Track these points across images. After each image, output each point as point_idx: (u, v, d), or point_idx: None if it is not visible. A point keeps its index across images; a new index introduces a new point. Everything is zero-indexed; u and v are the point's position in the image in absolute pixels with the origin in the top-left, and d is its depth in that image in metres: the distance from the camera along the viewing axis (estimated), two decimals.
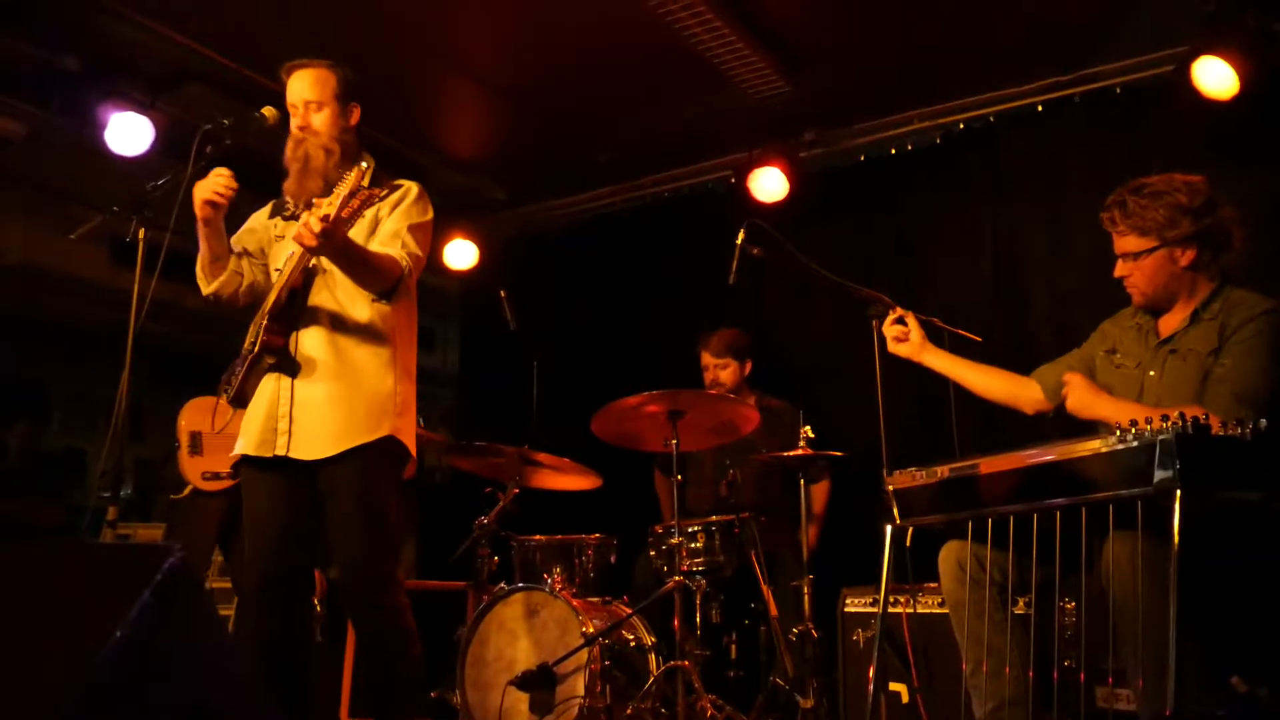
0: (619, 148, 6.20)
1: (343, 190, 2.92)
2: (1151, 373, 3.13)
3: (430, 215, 3.39)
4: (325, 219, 2.86)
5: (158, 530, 6.13)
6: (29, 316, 7.42)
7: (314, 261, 3.20)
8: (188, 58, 5.10)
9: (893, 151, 5.88)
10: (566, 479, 4.84)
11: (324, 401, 3.16)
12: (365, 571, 3.13)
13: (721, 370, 5.12)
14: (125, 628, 1.57)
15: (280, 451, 3.14)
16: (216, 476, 4.45)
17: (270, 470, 3.18)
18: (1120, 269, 3.19)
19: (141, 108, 5.07)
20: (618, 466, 4.87)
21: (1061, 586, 2.94)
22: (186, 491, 4.49)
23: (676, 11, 4.72)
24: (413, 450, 3.34)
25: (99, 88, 5.00)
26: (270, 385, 3.23)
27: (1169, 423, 2.37)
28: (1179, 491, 2.33)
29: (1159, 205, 3.08)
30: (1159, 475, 2.36)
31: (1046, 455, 2.64)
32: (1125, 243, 3.15)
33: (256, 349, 3.17)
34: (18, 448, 8.49)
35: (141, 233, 3.36)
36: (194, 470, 4.47)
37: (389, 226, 3.28)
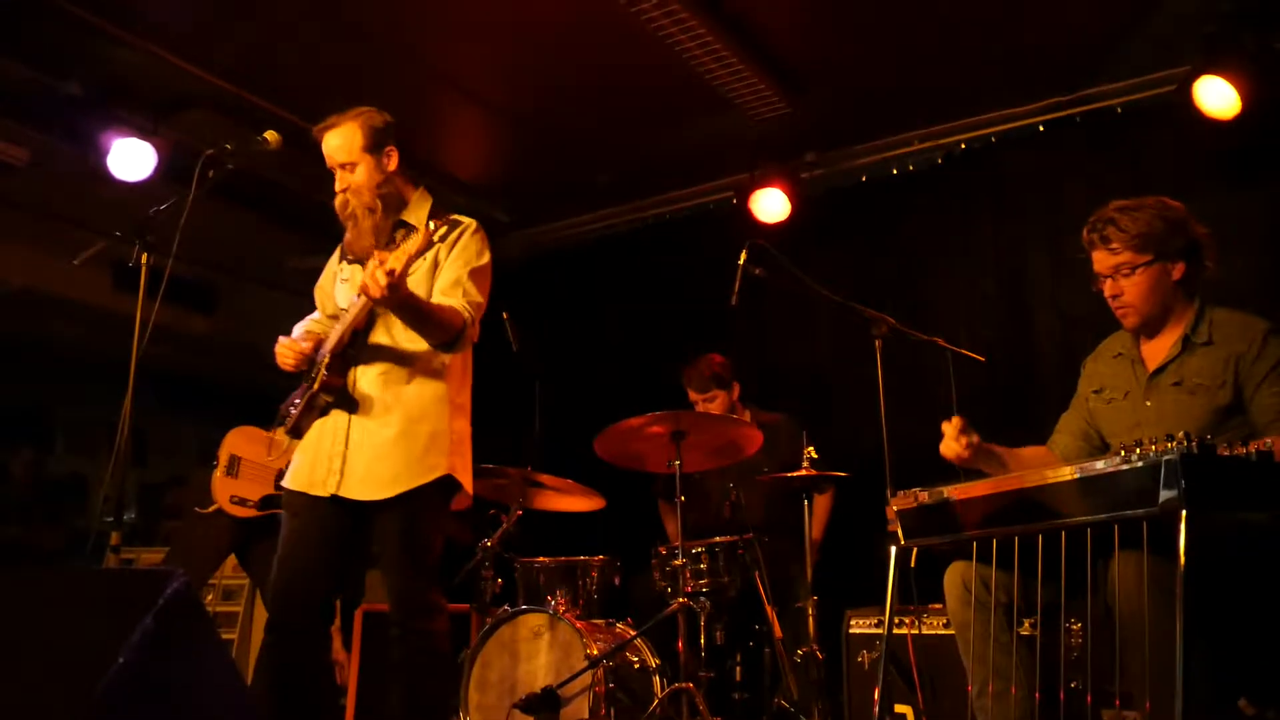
0: (621, 169, 6.22)
1: (409, 247, 2.93)
2: (1148, 403, 3.12)
3: (488, 256, 3.40)
4: (391, 273, 2.89)
5: (160, 554, 6.13)
6: (32, 341, 7.43)
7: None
8: (191, 83, 5.12)
9: (894, 172, 5.90)
10: (570, 500, 4.83)
11: (380, 443, 3.18)
12: (408, 601, 3.17)
13: (710, 404, 5.07)
14: (127, 653, 1.57)
15: (333, 490, 3.17)
16: (243, 503, 4.50)
17: (319, 504, 3.20)
18: (1110, 288, 3.16)
19: (144, 133, 5.10)
20: (621, 488, 4.86)
21: (1067, 608, 2.94)
22: (212, 509, 4.52)
23: (677, 35, 4.75)
24: (468, 486, 3.34)
25: (102, 113, 5.03)
26: (327, 423, 3.26)
27: (1174, 443, 2.36)
28: (1184, 512, 2.32)
29: (1154, 219, 3.08)
30: (1164, 495, 2.34)
31: (1051, 476, 2.63)
32: (1118, 259, 3.12)
33: (315, 386, 3.20)
34: (21, 473, 8.50)
35: (144, 258, 3.37)
36: (224, 491, 4.51)
37: (449, 275, 3.29)
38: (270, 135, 3.37)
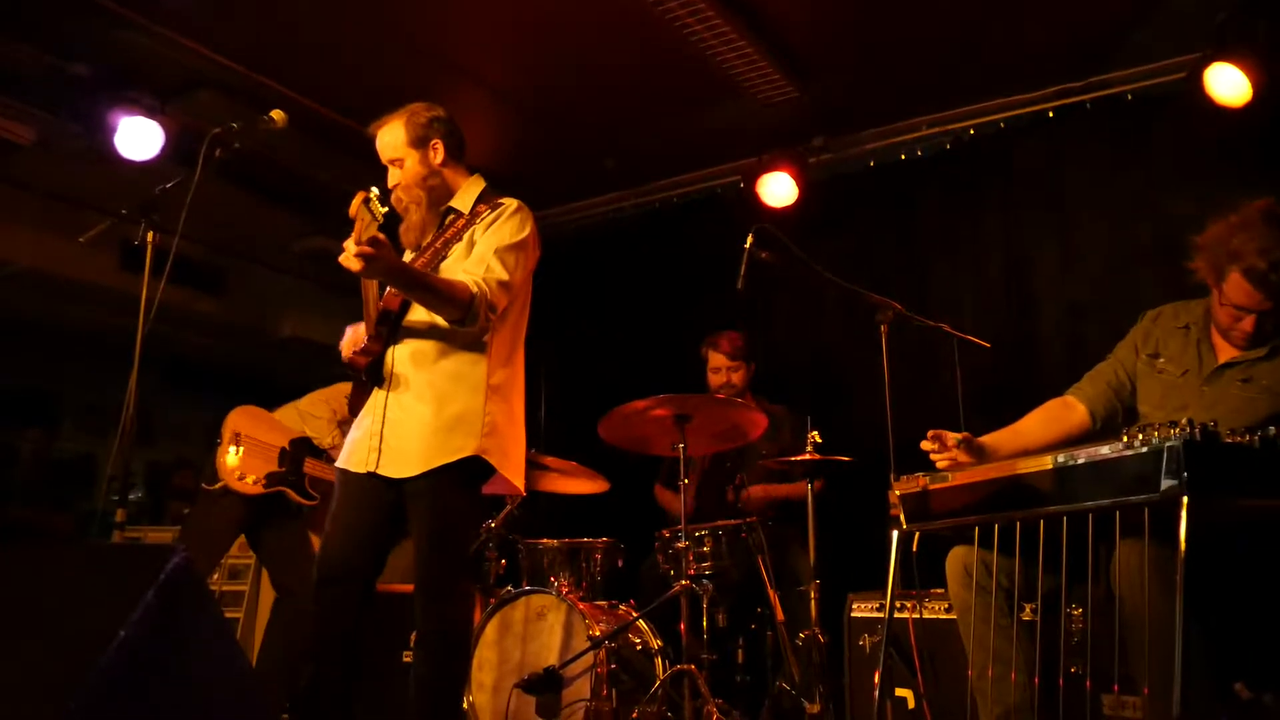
0: (628, 153, 6.21)
1: (373, 213, 2.94)
2: (1205, 389, 3.03)
3: (527, 232, 3.38)
4: (373, 241, 2.90)
5: (168, 533, 6.16)
6: (40, 322, 7.46)
7: None
8: (198, 63, 5.13)
9: (902, 157, 5.88)
10: (574, 483, 4.84)
11: (412, 421, 3.20)
12: (428, 583, 3.18)
13: (734, 373, 5.14)
14: (129, 628, 1.58)
15: (371, 468, 3.20)
16: (247, 479, 4.52)
17: (361, 480, 3.24)
18: (1242, 320, 2.96)
19: (151, 113, 5.10)
20: (625, 471, 4.87)
21: (1068, 594, 2.94)
22: (218, 485, 4.54)
23: (685, 18, 4.73)
24: (508, 473, 3.31)
25: (109, 93, 5.04)
26: (372, 402, 3.30)
27: (1177, 429, 2.36)
28: (1186, 499, 2.31)
29: None
30: (1166, 482, 2.34)
31: (1053, 461, 2.63)
32: (1250, 302, 2.92)
33: (355, 361, 3.26)
34: (30, 454, 8.53)
35: (150, 236, 3.38)
36: (229, 468, 4.52)
37: (479, 250, 3.29)
38: (276, 114, 3.36)
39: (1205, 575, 2.32)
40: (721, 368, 5.15)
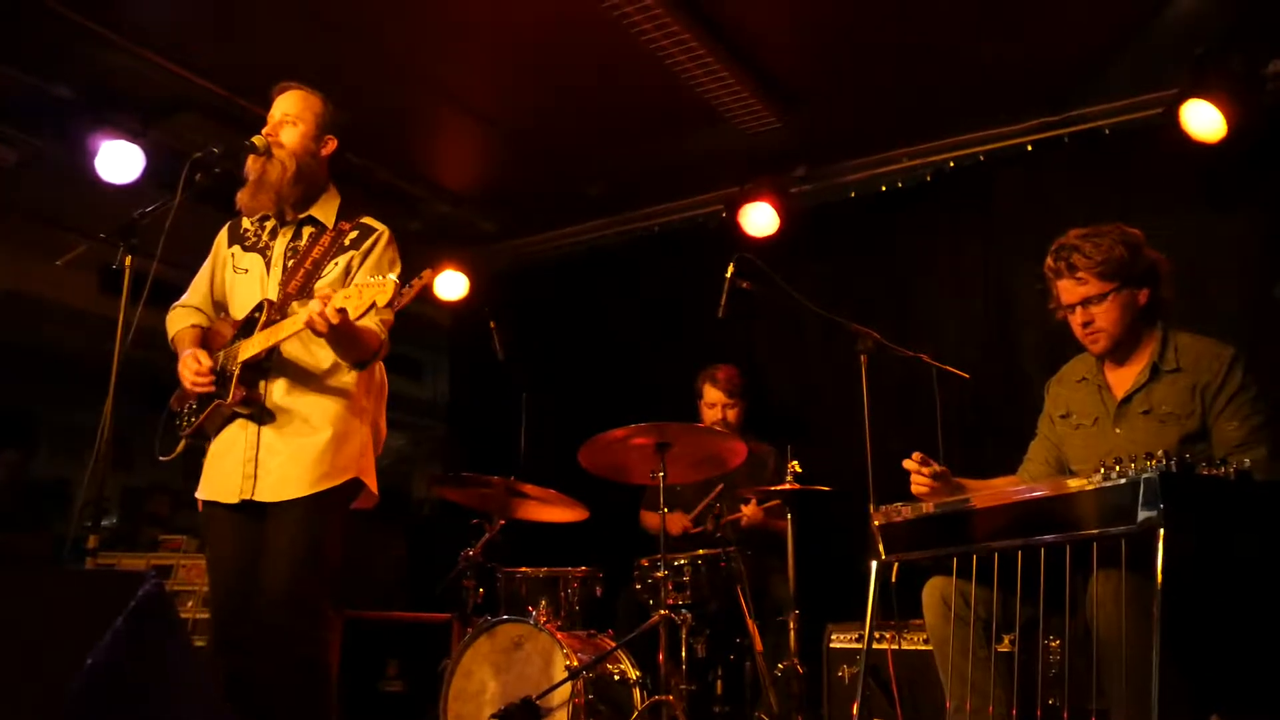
0: (611, 181, 6.23)
1: (369, 297, 2.88)
2: (1118, 430, 3.16)
3: (399, 267, 3.36)
4: (343, 312, 2.88)
5: (142, 560, 6.09)
6: (17, 344, 7.40)
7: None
8: (181, 87, 5.11)
9: (883, 189, 5.91)
10: (553, 511, 4.82)
11: (290, 447, 3.17)
12: (303, 604, 3.10)
13: (730, 409, 5.17)
14: (97, 654, 1.56)
15: (246, 496, 3.15)
16: None
17: (234, 512, 3.19)
18: (1081, 316, 3.18)
19: (133, 136, 5.08)
20: (605, 499, 4.85)
21: (1046, 625, 2.94)
22: None
23: (670, 48, 4.76)
24: (373, 487, 3.35)
25: (91, 116, 5.02)
26: (237, 434, 3.23)
27: (1153, 461, 2.37)
28: (1163, 530, 2.32)
29: (1116, 245, 3.12)
30: (1143, 514, 2.35)
31: (1031, 492, 2.64)
32: (1084, 289, 3.15)
33: (230, 400, 3.16)
34: (5, 478, 8.44)
35: (129, 260, 3.35)
36: None
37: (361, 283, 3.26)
38: (259, 139, 3.34)
39: (1182, 606, 2.32)
40: (717, 403, 5.16)
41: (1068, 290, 3.19)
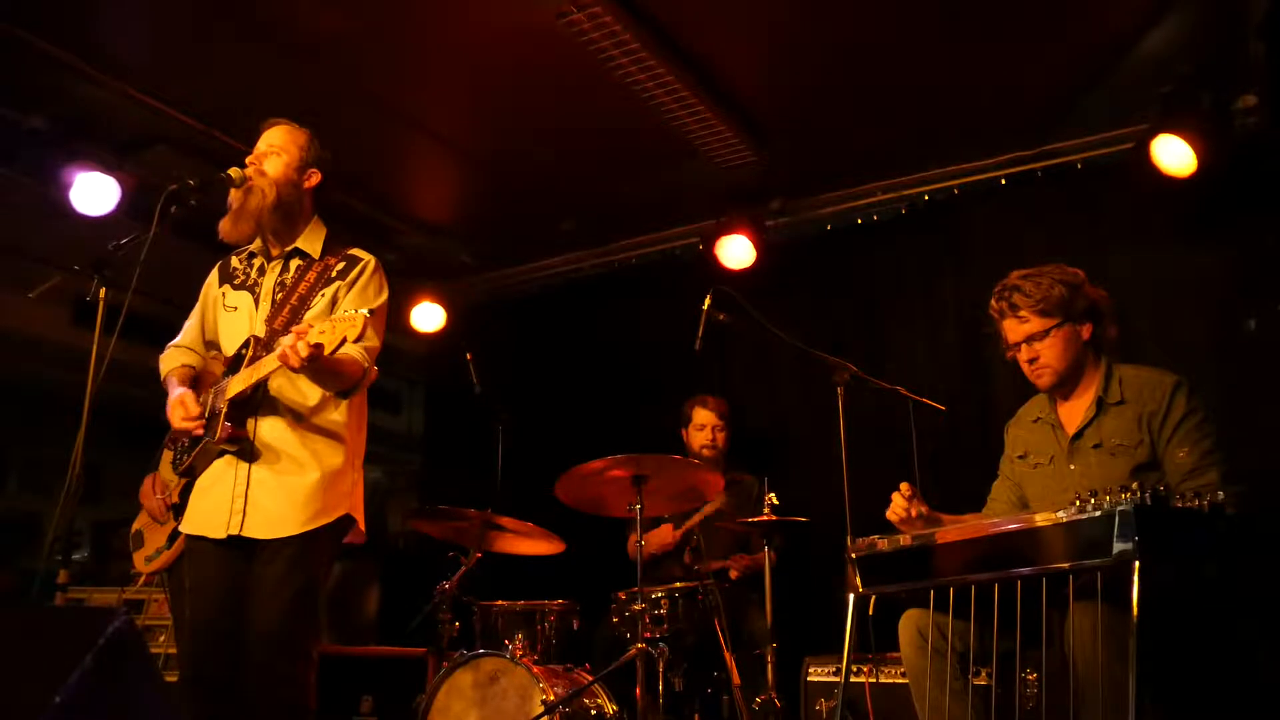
0: (588, 214, 6.24)
1: (340, 331, 2.87)
2: (1072, 467, 3.21)
3: (386, 294, 3.39)
4: (318, 348, 2.87)
5: (112, 594, 6.02)
6: None
7: None
8: (156, 119, 5.10)
9: (858, 222, 5.95)
10: (530, 544, 4.79)
11: (281, 485, 3.16)
12: (291, 643, 3.08)
13: (720, 432, 5.27)
14: (64, 693, 1.53)
15: (234, 531, 3.13)
16: (150, 561, 4.31)
17: (219, 547, 3.16)
18: (1026, 353, 3.26)
19: (108, 168, 5.06)
20: (582, 532, 4.83)
21: (1023, 658, 2.94)
22: (141, 581, 4.38)
23: (646, 82, 4.78)
24: (361, 523, 3.34)
25: (66, 147, 4.99)
26: (226, 470, 3.21)
27: (1128, 494, 2.39)
28: (1138, 562, 2.33)
29: (1055, 284, 3.21)
30: (1118, 546, 2.37)
31: (1007, 525, 2.65)
32: (1027, 327, 3.24)
33: (218, 437, 3.15)
34: None
35: (103, 293, 3.33)
36: (140, 560, 4.32)
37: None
38: (234, 172, 3.34)
39: (1157, 638, 2.33)
40: (708, 425, 5.23)
41: (1012, 329, 3.28)
